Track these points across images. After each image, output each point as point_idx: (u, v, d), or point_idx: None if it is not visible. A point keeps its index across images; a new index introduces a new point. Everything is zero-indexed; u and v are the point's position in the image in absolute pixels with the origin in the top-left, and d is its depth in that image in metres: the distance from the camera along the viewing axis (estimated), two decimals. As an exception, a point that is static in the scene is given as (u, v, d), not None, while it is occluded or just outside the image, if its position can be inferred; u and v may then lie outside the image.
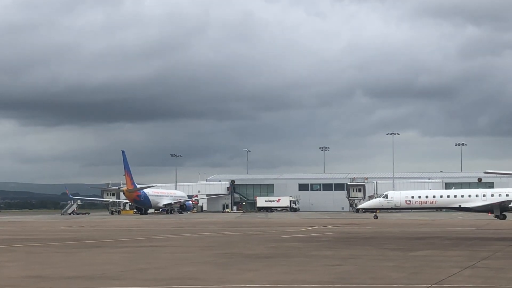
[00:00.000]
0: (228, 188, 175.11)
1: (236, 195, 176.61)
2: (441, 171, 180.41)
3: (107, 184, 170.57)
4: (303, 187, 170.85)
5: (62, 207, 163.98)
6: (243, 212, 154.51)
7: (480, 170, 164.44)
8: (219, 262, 23.14)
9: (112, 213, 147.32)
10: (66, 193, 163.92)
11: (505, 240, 36.09)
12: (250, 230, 50.17)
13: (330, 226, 56.85)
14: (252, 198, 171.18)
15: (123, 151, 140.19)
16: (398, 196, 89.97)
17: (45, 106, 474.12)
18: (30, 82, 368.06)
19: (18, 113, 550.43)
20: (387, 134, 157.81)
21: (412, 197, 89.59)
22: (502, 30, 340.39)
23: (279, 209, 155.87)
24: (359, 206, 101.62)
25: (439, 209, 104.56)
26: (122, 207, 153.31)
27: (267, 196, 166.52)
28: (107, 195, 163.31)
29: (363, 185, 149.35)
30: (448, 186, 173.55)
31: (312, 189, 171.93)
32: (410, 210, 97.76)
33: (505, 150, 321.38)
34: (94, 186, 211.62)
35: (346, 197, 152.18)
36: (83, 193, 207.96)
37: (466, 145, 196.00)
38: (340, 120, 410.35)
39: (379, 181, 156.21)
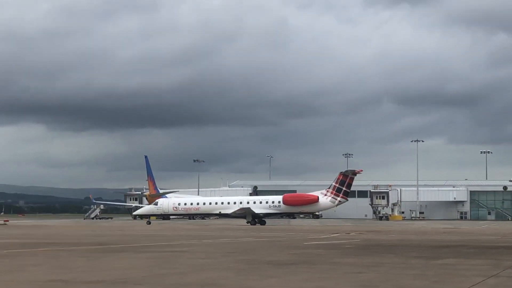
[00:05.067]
0: (250, 194, 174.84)
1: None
2: (466, 179, 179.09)
3: (130, 189, 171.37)
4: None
5: (85, 211, 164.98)
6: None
7: (506, 179, 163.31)
8: (240, 268, 23.06)
9: (135, 218, 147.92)
10: (90, 197, 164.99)
11: (530, 249, 35.66)
12: (272, 236, 50.05)
13: (353, 233, 56.57)
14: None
15: (146, 156, 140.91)
16: (166, 203, 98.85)
17: (74, 111, 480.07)
18: (62, 87, 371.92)
19: (48, 118, 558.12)
20: (411, 141, 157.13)
21: (179, 204, 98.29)
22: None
23: (301, 215, 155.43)
24: (135, 213, 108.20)
25: (202, 215, 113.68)
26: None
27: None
28: (130, 200, 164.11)
29: (387, 193, 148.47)
30: (473, 194, 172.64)
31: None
32: (180, 216, 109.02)
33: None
34: (117, 191, 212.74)
35: (369, 204, 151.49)
36: (106, 198, 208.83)
37: (491, 153, 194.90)
38: (365, 127, 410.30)
39: (403, 189, 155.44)
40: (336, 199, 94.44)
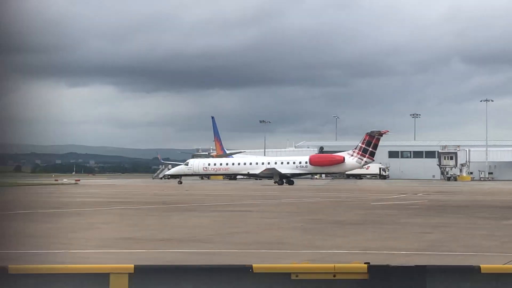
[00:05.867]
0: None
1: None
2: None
3: (197, 150, 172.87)
4: (393, 154, 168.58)
5: (154, 171, 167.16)
6: (332, 178, 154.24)
7: None
8: (307, 227, 23.19)
9: (202, 178, 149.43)
10: (158, 158, 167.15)
11: None
12: (339, 197, 50.07)
13: (420, 194, 56.16)
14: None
15: (212, 117, 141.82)
16: (197, 163, 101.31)
17: (143, 73, 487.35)
18: (131, 49, 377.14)
19: (118, 80, 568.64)
20: (481, 101, 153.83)
21: (209, 164, 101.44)
22: None
23: (368, 176, 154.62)
24: (167, 173, 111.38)
25: (232, 175, 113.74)
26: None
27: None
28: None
29: (455, 153, 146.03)
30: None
31: (402, 157, 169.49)
32: (207, 177, 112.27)
33: None
34: (184, 151, 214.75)
35: (437, 164, 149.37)
36: (174, 158, 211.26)
37: None
38: (434, 87, 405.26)
39: (471, 149, 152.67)
40: (362, 160, 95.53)
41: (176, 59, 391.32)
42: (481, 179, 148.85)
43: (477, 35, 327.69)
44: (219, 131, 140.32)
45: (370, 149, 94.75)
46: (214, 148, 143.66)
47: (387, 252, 16.64)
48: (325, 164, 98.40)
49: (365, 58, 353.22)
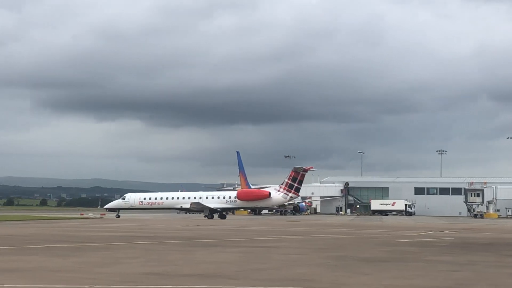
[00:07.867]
0: (342, 190, 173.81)
1: (350, 198, 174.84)
2: None
3: (222, 184, 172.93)
4: (419, 190, 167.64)
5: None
6: (357, 215, 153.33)
7: None
8: (332, 264, 23.09)
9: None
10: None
11: None
12: (364, 233, 49.79)
13: (447, 231, 55.67)
14: (366, 201, 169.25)
15: (237, 152, 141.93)
16: (133, 198, 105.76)
17: (171, 108, 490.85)
18: (159, 84, 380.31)
19: (146, 114, 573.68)
20: (508, 138, 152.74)
21: (144, 198, 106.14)
22: None
23: (394, 212, 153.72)
24: (105, 206, 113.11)
25: (167, 209, 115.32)
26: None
27: (382, 199, 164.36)
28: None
29: (482, 190, 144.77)
30: None
31: (428, 193, 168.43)
32: (144, 210, 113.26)
33: None
34: (209, 186, 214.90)
35: (463, 201, 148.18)
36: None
37: None
38: (460, 124, 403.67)
39: (498, 186, 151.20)
40: (288, 195, 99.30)
41: (203, 94, 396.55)
42: (508, 216, 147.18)
43: (504, 72, 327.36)
44: (244, 166, 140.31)
45: (296, 184, 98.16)
46: (239, 182, 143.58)
47: (413, 290, 16.52)
48: (252, 199, 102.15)
49: (391, 94, 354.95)
